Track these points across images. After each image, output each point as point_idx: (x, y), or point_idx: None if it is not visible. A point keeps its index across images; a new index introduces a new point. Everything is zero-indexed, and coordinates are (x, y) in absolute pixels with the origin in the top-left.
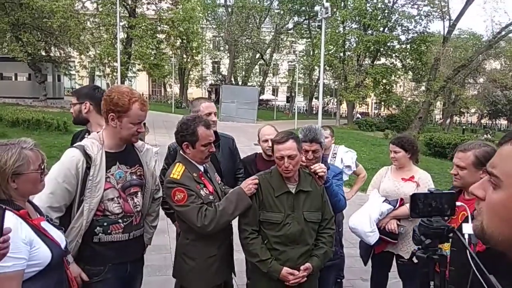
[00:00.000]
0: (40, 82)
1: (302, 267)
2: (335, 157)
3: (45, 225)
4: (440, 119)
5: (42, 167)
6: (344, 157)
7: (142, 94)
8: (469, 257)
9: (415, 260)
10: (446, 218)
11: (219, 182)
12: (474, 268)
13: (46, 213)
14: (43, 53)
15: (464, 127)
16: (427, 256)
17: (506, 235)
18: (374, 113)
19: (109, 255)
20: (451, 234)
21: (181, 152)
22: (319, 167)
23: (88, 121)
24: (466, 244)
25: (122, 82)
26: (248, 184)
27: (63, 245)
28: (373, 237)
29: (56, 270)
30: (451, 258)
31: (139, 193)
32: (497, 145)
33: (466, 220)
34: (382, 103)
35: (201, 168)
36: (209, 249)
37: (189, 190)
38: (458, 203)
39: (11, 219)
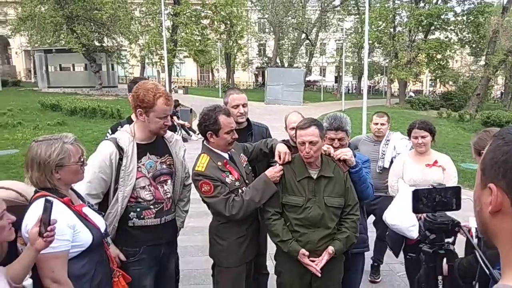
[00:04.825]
0: (95, 72)
1: (325, 251)
2: (387, 144)
3: (86, 210)
4: (501, 95)
5: (82, 159)
6: (397, 144)
7: (191, 80)
8: (477, 255)
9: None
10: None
11: (245, 163)
12: (482, 264)
13: (86, 200)
14: (97, 44)
15: None
16: (433, 251)
17: None
18: (429, 90)
19: (143, 237)
20: (456, 229)
21: (205, 142)
22: (339, 152)
23: None
24: (472, 240)
25: (170, 70)
26: (274, 173)
27: (103, 229)
28: (415, 231)
29: (97, 250)
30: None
31: (169, 181)
32: None
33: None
34: (437, 80)
35: (226, 155)
36: (239, 229)
37: (214, 181)
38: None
39: (57, 206)
